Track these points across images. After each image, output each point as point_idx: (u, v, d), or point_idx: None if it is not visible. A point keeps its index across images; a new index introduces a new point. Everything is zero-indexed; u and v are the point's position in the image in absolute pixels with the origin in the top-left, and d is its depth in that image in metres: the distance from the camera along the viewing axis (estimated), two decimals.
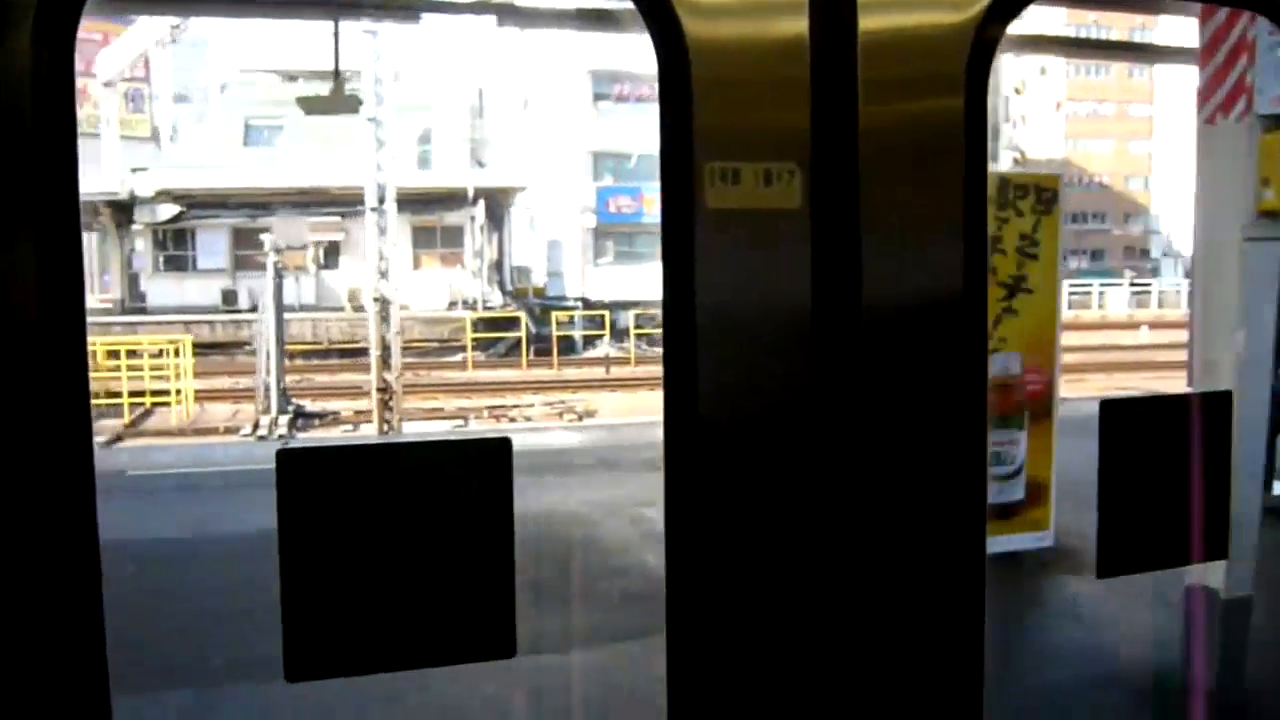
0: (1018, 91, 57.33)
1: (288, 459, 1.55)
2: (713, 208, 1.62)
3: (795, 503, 1.69)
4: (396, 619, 1.61)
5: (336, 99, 15.51)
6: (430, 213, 33.98)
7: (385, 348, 16.01)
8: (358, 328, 30.02)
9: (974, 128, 1.70)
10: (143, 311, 31.88)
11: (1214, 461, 1.84)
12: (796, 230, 1.65)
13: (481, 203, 33.71)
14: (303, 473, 1.57)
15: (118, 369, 20.10)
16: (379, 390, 15.98)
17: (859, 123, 1.65)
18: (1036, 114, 64.17)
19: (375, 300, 16.60)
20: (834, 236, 1.65)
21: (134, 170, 32.74)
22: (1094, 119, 65.98)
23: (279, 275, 18.43)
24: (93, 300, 33.67)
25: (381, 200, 17.20)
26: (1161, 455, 1.80)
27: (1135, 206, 67.70)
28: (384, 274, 16.66)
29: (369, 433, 17.76)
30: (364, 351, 28.23)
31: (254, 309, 32.86)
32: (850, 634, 1.72)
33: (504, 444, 1.65)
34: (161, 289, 33.92)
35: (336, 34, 12.56)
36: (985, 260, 1.71)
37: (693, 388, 1.64)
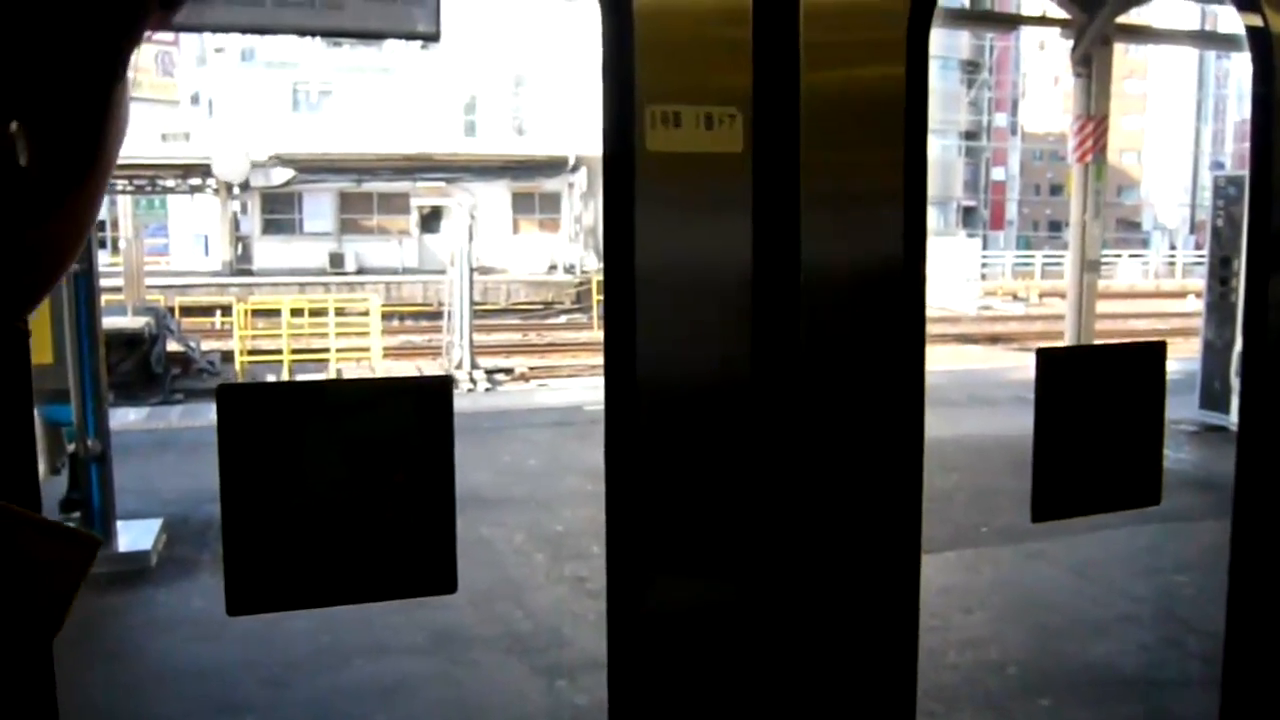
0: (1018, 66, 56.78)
1: (228, 395, 1.59)
2: (653, 150, 1.62)
3: (736, 457, 1.68)
4: (338, 554, 1.64)
5: None
6: (529, 179, 34.24)
7: None
8: None
9: (915, 91, 1.68)
10: (249, 273, 32.57)
11: (1147, 410, 1.83)
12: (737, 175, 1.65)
13: (583, 170, 33.83)
14: (244, 408, 1.60)
15: (307, 328, 21.00)
16: None
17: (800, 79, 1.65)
18: (1035, 89, 63.28)
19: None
20: (774, 189, 1.65)
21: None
22: None
23: (470, 237, 18.77)
24: (209, 263, 34.58)
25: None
26: (1096, 403, 1.79)
27: (1128, 180, 66.19)
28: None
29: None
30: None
31: (359, 271, 33.48)
32: (790, 592, 1.72)
33: (445, 382, 1.67)
34: (268, 251, 34.60)
35: None
36: (924, 224, 1.70)
37: (631, 328, 1.64)
